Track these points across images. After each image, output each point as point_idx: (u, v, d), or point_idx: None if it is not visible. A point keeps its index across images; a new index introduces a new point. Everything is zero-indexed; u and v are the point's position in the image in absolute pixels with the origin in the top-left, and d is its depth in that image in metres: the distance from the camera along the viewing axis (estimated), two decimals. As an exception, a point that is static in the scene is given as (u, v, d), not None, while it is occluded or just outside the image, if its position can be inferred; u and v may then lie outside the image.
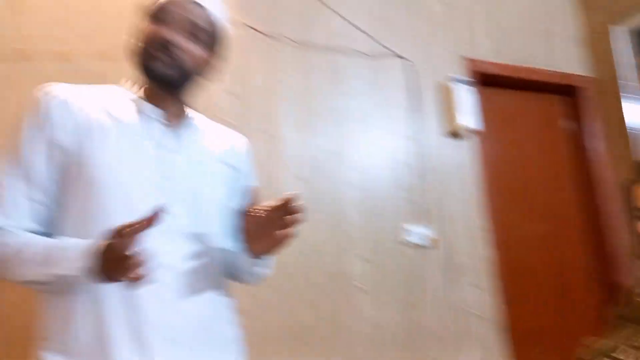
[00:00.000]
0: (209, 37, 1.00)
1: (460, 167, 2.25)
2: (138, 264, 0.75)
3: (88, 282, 0.81)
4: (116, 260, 0.76)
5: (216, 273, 1.00)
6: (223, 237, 1.04)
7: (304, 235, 1.82)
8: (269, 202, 0.90)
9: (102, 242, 0.79)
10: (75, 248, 0.82)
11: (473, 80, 2.31)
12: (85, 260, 0.79)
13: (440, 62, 2.32)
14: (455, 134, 2.26)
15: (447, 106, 2.27)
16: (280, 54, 2.01)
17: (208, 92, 1.82)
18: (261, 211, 0.91)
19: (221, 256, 1.02)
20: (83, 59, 1.68)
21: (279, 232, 0.89)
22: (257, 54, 1.97)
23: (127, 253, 0.74)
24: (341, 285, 1.90)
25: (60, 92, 0.94)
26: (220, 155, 1.08)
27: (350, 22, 2.16)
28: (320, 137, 2.01)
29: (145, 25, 0.98)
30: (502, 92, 2.52)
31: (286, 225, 0.88)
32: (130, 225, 0.75)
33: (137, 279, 0.76)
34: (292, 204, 0.86)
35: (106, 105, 0.96)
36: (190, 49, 0.97)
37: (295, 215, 0.87)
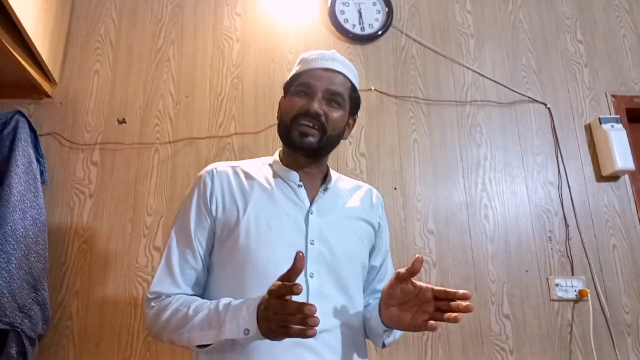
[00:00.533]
0: (344, 99, 1.08)
1: (615, 212, 2.04)
2: (297, 321, 0.76)
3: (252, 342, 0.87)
4: (276, 319, 0.79)
5: (357, 334, 1.03)
6: (362, 294, 1.08)
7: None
8: (429, 284, 0.88)
9: (261, 304, 0.82)
10: (238, 312, 0.86)
11: (621, 117, 2.12)
12: (250, 324, 0.83)
13: (583, 103, 2.18)
14: (606, 177, 2.08)
15: (595, 148, 2.11)
16: (410, 114, 2.10)
17: (339, 154, 1.99)
18: (415, 285, 0.89)
19: (361, 317, 1.05)
20: (235, 137, 1.97)
21: (427, 321, 0.87)
22: (388, 116, 2.08)
23: (284, 311, 0.77)
24: (480, 343, 1.82)
25: (219, 171, 1.08)
26: (360, 214, 1.12)
27: (482, 74, 2.18)
28: (452, 189, 2.01)
29: (287, 99, 1.09)
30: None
31: (438, 317, 0.85)
32: (285, 286, 0.78)
33: (299, 334, 0.77)
34: (456, 298, 0.84)
35: (255, 177, 1.08)
36: (330, 114, 1.04)
37: (455, 314, 0.84)
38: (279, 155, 1.14)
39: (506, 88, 2.17)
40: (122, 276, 1.76)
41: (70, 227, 1.80)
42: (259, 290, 0.87)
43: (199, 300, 0.96)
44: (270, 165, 1.13)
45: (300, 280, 0.92)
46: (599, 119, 2.09)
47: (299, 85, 1.07)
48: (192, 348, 0.94)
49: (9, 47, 1.61)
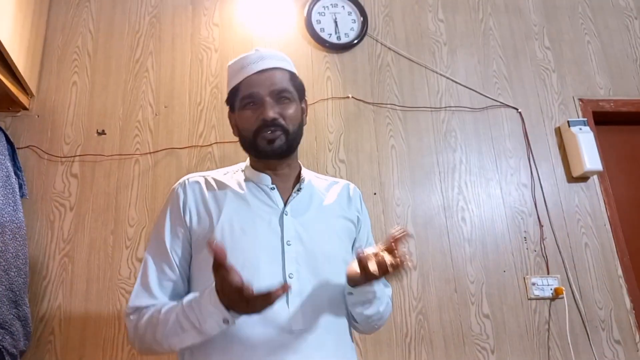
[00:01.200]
0: (291, 91, 1.07)
1: (586, 211, 2.12)
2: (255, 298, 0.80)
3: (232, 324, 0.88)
4: (232, 295, 0.82)
5: (342, 332, 1.03)
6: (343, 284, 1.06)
7: (419, 292, 1.87)
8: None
9: (218, 292, 0.85)
10: (206, 310, 0.87)
11: (588, 120, 2.21)
12: (224, 313, 0.86)
13: (552, 107, 2.27)
14: (576, 178, 2.16)
15: (565, 150, 2.20)
16: (387, 120, 2.15)
17: (319, 161, 2.02)
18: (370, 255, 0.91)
19: (345, 313, 1.05)
20: (215, 146, 1.98)
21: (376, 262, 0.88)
22: (365, 123, 2.13)
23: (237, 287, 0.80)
24: (462, 343, 1.86)
25: (191, 182, 1.09)
26: (338, 211, 1.12)
27: (455, 81, 2.24)
28: (429, 193, 2.06)
29: (238, 115, 1.08)
30: (621, 130, 2.36)
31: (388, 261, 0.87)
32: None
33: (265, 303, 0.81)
34: (397, 242, 0.89)
35: (227, 184, 1.08)
36: (285, 112, 1.04)
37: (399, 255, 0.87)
38: (250, 162, 1.14)
39: (479, 94, 2.24)
40: (105, 288, 1.75)
41: (50, 241, 1.78)
42: None
43: (168, 305, 0.96)
44: (243, 171, 1.13)
45: (278, 281, 0.95)
46: (568, 122, 2.17)
47: (244, 99, 1.06)
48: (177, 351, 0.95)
49: (-15, 60, 1.60)
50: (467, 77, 2.27)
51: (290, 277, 0.98)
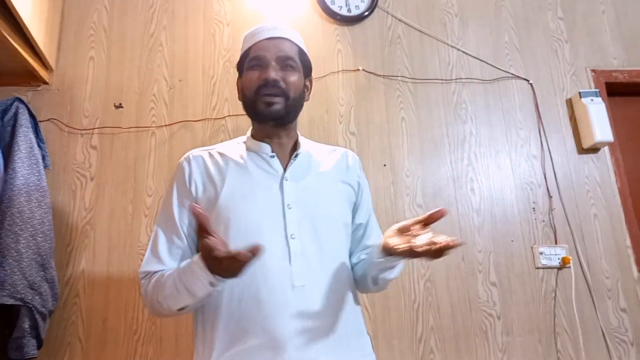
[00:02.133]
0: (296, 62, 1.12)
1: (596, 183, 2.13)
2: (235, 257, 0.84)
3: (220, 288, 0.94)
4: (227, 269, 0.88)
5: (345, 288, 1.08)
6: (347, 252, 1.13)
7: (428, 262, 1.92)
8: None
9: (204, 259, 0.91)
10: (195, 274, 0.93)
11: (600, 91, 2.20)
12: (209, 277, 0.91)
13: (564, 78, 2.26)
14: (586, 149, 2.16)
15: (576, 121, 2.20)
16: (398, 93, 2.16)
17: (330, 133, 2.06)
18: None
19: (348, 272, 1.11)
20: (229, 119, 2.03)
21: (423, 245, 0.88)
22: (376, 95, 2.15)
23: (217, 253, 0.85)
24: (469, 310, 1.92)
25: (195, 156, 1.14)
26: (336, 176, 1.16)
27: (466, 53, 2.24)
28: (439, 165, 2.09)
29: (243, 77, 1.13)
30: (635, 101, 2.34)
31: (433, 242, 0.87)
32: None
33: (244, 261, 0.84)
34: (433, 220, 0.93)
35: (229, 155, 1.13)
36: (287, 78, 1.09)
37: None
38: (251, 132, 1.18)
39: (490, 65, 2.24)
40: (125, 255, 1.84)
41: (73, 209, 1.87)
42: None
43: (171, 270, 1.03)
44: (244, 142, 1.18)
45: (280, 241, 1.01)
46: (579, 93, 2.17)
47: (251, 60, 1.11)
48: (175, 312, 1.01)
49: (6, 35, 1.65)
50: (478, 48, 2.27)
51: (292, 238, 1.02)
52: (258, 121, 1.13)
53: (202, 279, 0.93)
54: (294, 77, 1.11)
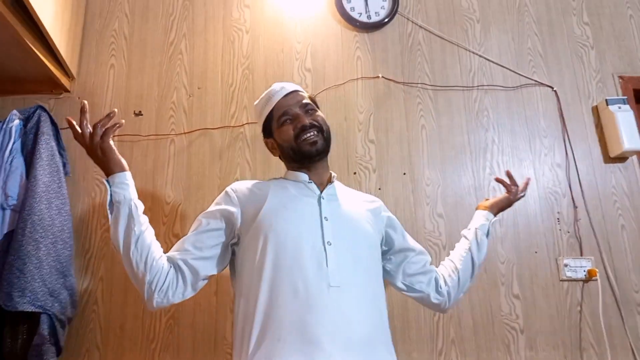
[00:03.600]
0: (314, 105, 1.32)
1: (624, 192, 2.06)
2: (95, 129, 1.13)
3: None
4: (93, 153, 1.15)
5: (377, 295, 1.17)
6: (379, 267, 1.26)
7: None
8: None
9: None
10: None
11: (628, 98, 2.13)
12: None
13: (590, 85, 2.20)
14: (613, 158, 2.10)
15: (602, 129, 2.13)
16: (418, 100, 2.13)
17: (349, 141, 2.04)
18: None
19: (380, 284, 1.21)
20: (247, 127, 2.03)
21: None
22: (395, 103, 2.12)
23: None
24: (491, 323, 1.87)
25: (238, 184, 1.29)
26: (365, 205, 1.32)
27: (488, 59, 2.20)
28: (460, 173, 2.05)
29: (278, 133, 1.29)
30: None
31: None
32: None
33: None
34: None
35: (270, 183, 1.29)
36: (316, 117, 1.28)
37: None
38: (287, 168, 1.35)
39: (512, 72, 2.20)
40: (143, 262, 1.84)
41: (92, 217, 1.88)
42: (281, 260, 1.07)
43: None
44: (281, 177, 1.34)
45: (318, 247, 1.11)
46: (606, 100, 2.11)
47: (280, 118, 1.28)
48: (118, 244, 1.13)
49: (29, 44, 1.68)
50: (500, 55, 2.22)
51: (328, 244, 1.12)
52: (305, 161, 1.27)
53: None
54: (319, 115, 1.30)
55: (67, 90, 2.01)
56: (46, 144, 1.73)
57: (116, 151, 1.17)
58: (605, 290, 1.92)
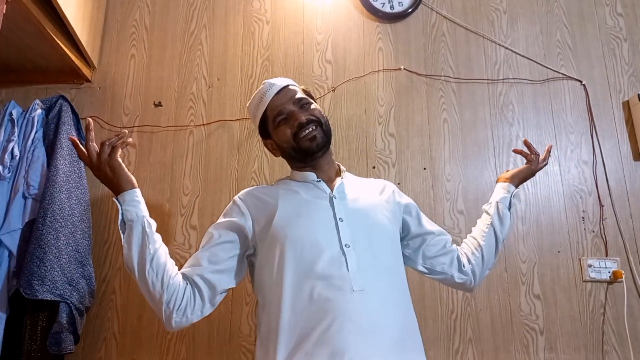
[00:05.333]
0: (308, 98, 1.26)
1: (655, 192, 1.99)
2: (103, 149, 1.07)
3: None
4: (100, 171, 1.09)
5: (401, 294, 1.14)
6: (400, 262, 1.21)
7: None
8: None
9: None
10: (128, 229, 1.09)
11: (662, 94, 2.04)
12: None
13: (621, 79, 2.11)
14: (646, 156, 2.02)
15: (633, 126, 2.05)
16: (440, 93, 2.08)
17: (368, 134, 2.01)
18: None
19: (403, 280, 1.17)
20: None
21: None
22: (417, 95, 2.08)
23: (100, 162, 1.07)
24: (510, 322, 1.83)
25: (247, 191, 1.25)
26: (380, 196, 1.27)
27: (514, 52, 2.13)
28: (482, 169, 2.00)
29: (275, 134, 1.24)
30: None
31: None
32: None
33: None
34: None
35: (278, 187, 1.24)
36: (312, 111, 1.22)
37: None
38: (292, 169, 1.30)
39: (540, 65, 2.12)
40: (161, 253, 1.85)
41: (111, 207, 1.89)
42: (300, 269, 1.04)
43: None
44: (288, 177, 1.30)
45: (336, 251, 1.07)
46: (638, 95, 2.02)
47: (275, 118, 1.22)
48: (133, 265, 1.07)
49: (52, 34, 1.68)
50: (527, 47, 2.15)
51: (347, 247, 1.08)
52: (308, 158, 1.22)
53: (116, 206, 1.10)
54: (315, 108, 1.24)
55: (88, 80, 2.02)
56: (67, 134, 1.75)
57: (125, 168, 1.11)
58: (631, 293, 1.86)
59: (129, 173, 1.12)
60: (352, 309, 1.01)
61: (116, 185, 1.09)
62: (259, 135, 1.32)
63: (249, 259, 1.20)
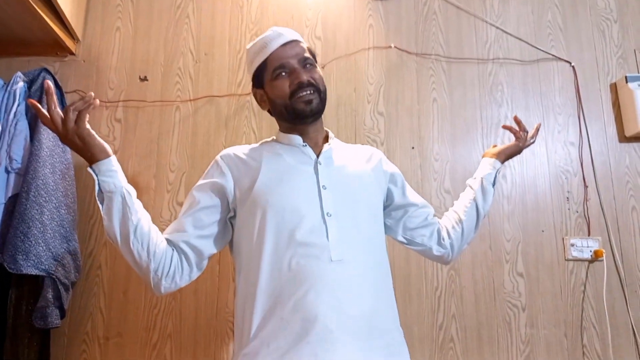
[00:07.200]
0: (313, 59, 1.20)
1: (637, 173, 2.00)
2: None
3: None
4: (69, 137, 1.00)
5: (380, 266, 1.14)
6: (382, 234, 1.20)
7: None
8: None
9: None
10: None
11: (649, 76, 2.05)
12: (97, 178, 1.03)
13: (610, 61, 2.12)
14: (629, 138, 2.03)
15: (619, 108, 2.06)
16: (431, 72, 2.07)
17: (357, 113, 2.00)
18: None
19: (384, 253, 1.16)
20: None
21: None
22: (407, 74, 2.07)
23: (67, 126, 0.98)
24: (493, 299, 1.86)
25: (228, 152, 1.21)
26: (366, 164, 1.25)
27: (505, 31, 2.12)
28: (470, 149, 2.01)
29: (270, 86, 1.18)
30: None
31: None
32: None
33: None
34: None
35: (262, 149, 1.20)
36: (314, 75, 1.17)
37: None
38: (280, 129, 1.24)
39: (530, 46, 2.12)
40: (148, 229, 1.84)
41: (96, 182, 1.87)
42: (280, 237, 1.03)
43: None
44: (273, 139, 1.25)
45: (317, 219, 1.06)
46: (626, 77, 2.03)
47: (275, 70, 1.16)
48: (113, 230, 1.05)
49: (34, 5, 1.64)
50: (518, 27, 2.14)
51: (328, 216, 1.07)
52: (298, 121, 1.17)
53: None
54: (318, 73, 1.19)
55: (72, 53, 1.97)
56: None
57: (96, 136, 1.02)
58: (611, 271, 1.90)
59: (102, 141, 1.03)
60: (330, 278, 1.01)
61: (89, 155, 1.02)
62: (251, 82, 1.25)
63: (231, 222, 1.18)
